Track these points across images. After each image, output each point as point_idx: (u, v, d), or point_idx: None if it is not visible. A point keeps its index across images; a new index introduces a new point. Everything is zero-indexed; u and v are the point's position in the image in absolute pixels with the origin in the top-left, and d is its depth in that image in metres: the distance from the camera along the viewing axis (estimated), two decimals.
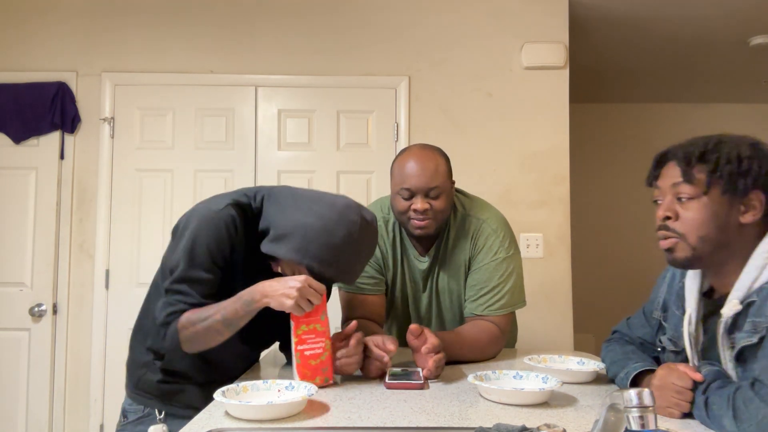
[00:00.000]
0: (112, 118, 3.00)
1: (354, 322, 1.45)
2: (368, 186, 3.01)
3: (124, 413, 1.55)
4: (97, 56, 3.02)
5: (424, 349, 1.41)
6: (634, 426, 0.75)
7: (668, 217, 1.15)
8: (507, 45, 3.07)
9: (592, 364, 1.46)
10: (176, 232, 1.43)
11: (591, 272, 4.63)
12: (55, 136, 2.97)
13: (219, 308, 1.31)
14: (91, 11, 3.04)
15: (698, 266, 1.17)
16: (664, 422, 1.06)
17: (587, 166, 4.82)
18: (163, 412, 1.49)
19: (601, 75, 4.32)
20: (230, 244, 1.36)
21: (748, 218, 1.11)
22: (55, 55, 3.02)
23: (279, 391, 1.23)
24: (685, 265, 1.17)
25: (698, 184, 1.12)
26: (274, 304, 1.28)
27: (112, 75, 3.01)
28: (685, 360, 1.20)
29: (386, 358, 1.41)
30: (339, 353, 1.37)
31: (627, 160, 5.06)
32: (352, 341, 1.39)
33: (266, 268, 1.44)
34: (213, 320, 1.30)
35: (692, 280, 1.23)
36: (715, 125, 5.13)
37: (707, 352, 1.18)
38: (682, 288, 1.25)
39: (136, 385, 1.53)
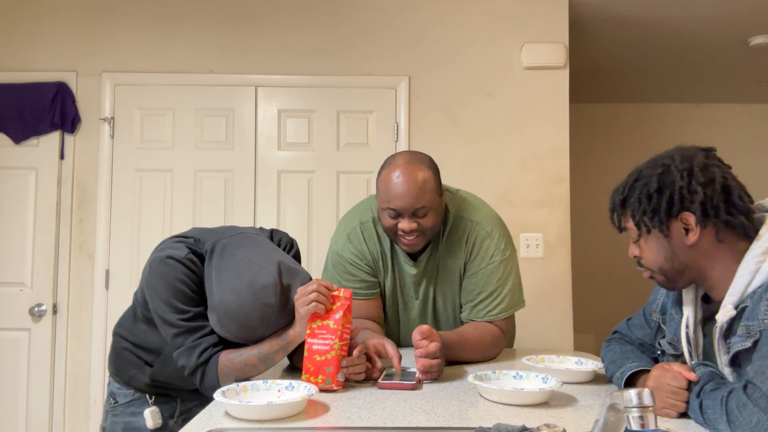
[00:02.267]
0: (112, 118, 3.00)
1: (357, 327, 1.44)
2: (368, 186, 3.01)
3: (113, 396, 1.59)
4: (97, 56, 3.02)
5: (416, 352, 1.40)
6: (634, 426, 0.75)
7: (636, 256, 1.22)
8: (507, 45, 3.07)
9: (591, 364, 1.46)
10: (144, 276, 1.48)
11: (591, 272, 4.63)
12: (55, 136, 2.97)
13: (259, 347, 1.38)
14: (91, 11, 3.04)
15: (680, 286, 1.20)
16: (663, 422, 1.06)
17: (587, 166, 4.82)
18: (153, 397, 1.56)
19: (601, 75, 4.32)
20: (199, 280, 1.43)
21: (691, 239, 1.13)
22: (55, 55, 3.02)
23: (279, 391, 1.23)
24: (673, 287, 1.21)
25: (632, 228, 1.19)
26: (302, 336, 1.36)
27: (112, 75, 3.01)
28: (684, 364, 1.20)
29: (378, 364, 1.41)
30: (343, 362, 1.35)
31: (627, 160, 5.03)
32: (355, 353, 1.37)
33: None
34: (249, 355, 1.37)
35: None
36: (715, 125, 5.16)
37: (707, 356, 1.18)
38: (680, 292, 1.25)
39: (127, 382, 1.57)
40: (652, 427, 0.75)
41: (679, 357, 1.23)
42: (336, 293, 1.36)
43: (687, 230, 1.13)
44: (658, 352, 1.31)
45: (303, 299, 1.33)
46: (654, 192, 1.13)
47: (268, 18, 3.05)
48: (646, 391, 0.76)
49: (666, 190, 1.13)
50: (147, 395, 1.56)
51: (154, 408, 1.54)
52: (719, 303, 1.13)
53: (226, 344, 1.40)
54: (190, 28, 3.05)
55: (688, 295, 1.22)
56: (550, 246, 3.01)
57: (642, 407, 0.75)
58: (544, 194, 3.02)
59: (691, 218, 1.12)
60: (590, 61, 3.92)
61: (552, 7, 3.07)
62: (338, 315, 1.34)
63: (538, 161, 3.03)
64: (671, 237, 1.14)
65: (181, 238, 1.48)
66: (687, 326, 1.20)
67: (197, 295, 1.41)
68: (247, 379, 1.38)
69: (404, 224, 1.57)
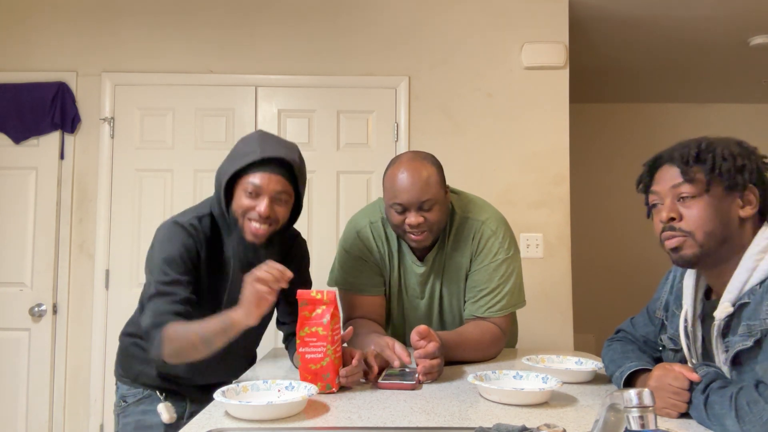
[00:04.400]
0: (112, 118, 3.00)
1: (350, 329, 1.44)
2: (368, 186, 3.01)
3: (123, 398, 1.59)
4: (97, 56, 3.02)
5: (416, 353, 1.40)
6: (634, 426, 0.75)
7: (673, 218, 1.16)
8: (507, 45, 3.07)
9: (591, 364, 1.46)
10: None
11: (591, 272, 4.63)
12: (55, 136, 2.97)
13: (201, 324, 1.33)
14: (91, 11, 3.04)
15: (704, 264, 1.18)
16: (663, 422, 1.06)
17: (587, 166, 4.82)
18: (164, 393, 1.55)
19: (601, 75, 4.32)
20: (196, 249, 1.46)
21: (746, 212, 1.14)
22: (55, 55, 3.02)
23: (279, 391, 1.23)
24: (692, 262, 1.18)
25: (699, 183, 1.14)
26: (246, 319, 1.29)
27: (112, 75, 3.01)
28: (684, 359, 1.21)
29: (396, 363, 1.41)
30: (341, 372, 1.33)
31: (627, 160, 5.04)
32: (354, 361, 1.35)
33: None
34: (191, 332, 1.33)
35: (689, 279, 1.24)
36: (715, 125, 5.16)
37: (705, 352, 1.18)
38: (681, 288, 1.26)
39: (135, 379, 1.57)
40: (652, 427, 0.75)
41: (678, 352, 1.24)
42: (318, 297, 1.33)
43: (746, 203, 1.14)
44: (660, 349, 1.32)
45: (249, 280, 1.28)
46: (738, 155, 1.14)
47: (268, 18, 3.05)
48: (646, 391, 0.76)
49: (747, 159, 1.15)
50: (158, 392, 1.55)
51: (167, 403, 1.53)
52: (717, 300, 1.14)
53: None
54: (190, 28, 3.05)
55: (688, 290, 1.23)
56: (550, 246, 3.01)
57: (642, 407, 0.75)
58: (544, 194, 3.02)
59: (755, 192, 1.14)
60: (590, 61, 3.92)
61: (552, 7, 3.07)
62: (325, 320, 1.30)
63: (538, 161, 3.03)
64: (730, 203, 1.14)
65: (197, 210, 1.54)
66: (686, 321, 1.20)
67: (188, 263, 1.43)
68: (202, 372, 1.45)
69: (411, 218, 1.60)
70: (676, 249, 1.17)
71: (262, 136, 1.51)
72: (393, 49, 3.06)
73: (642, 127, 5.06)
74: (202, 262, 1.47)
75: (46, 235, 2.94)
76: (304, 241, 1.71)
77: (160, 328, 1.35)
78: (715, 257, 1.16)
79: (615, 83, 4.54)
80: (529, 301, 1.82)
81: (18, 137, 2.96)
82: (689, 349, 1.20)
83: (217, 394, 1.14)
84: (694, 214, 1.14)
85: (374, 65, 3.05)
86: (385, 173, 1.68)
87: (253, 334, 1.62)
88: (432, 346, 1.40)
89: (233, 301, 1.36)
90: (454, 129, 3.04)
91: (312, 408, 1.16)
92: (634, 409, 0.75)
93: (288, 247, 1.63)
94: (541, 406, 1.18)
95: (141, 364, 1.56)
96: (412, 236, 1.64)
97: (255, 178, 1.43)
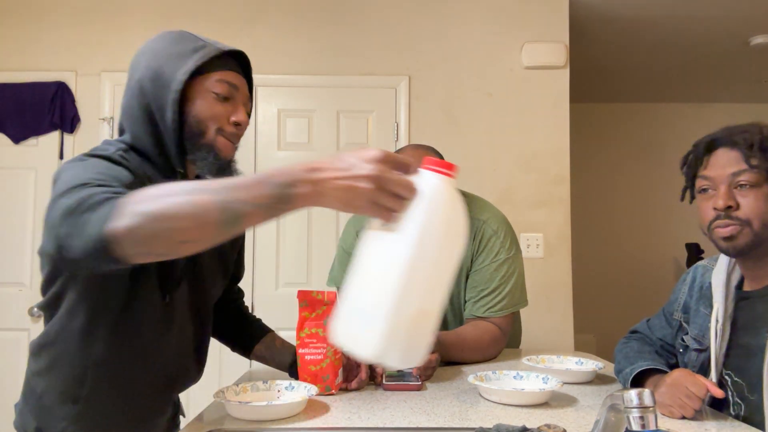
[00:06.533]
0: (112, 118, 2.99)
1: None
2: None
3: None
4: (97, 56, 3.02)
5: None
6: (635, 426, 0.75)
7: (730, 207, 1.13)
8: (507, 45, 3.06)
9: (591, 364, 1.46)
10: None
11: (591, 272, 4.63)
12: (55, 136, 2.97)
13: (215, 183, 0.76)
14: (91, 11, 3.04)
15: (755, 253, 1.15)
16: (664, 422, 1.06)
17: (587, 166, 4.82)
18: None
19: (601, 75, 4.32)
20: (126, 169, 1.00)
21: None
22: (55, 55, 3.01)
23: (279, 391, 1.22)
24: (744, 252, 1.15)
25: (761, 171, 1.11)
26: (334, 203, 0.72)
27: (112, 75, 3.01)
28: (708, 359, 1.19)
29: (379, 369, 1.38)
30: (353, 384, 1.31)
31: (627, 160, 5.06)
32: (362, 375, 1.32)
33: None
34: (202, 194, 0.75)
35: (719, 277, 1.22)
36: (715, 125, 5.13)
37: (732, 350, 1.17)
38: (709, 288, 1.24)
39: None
40: (652, 427, 0.75)
41: (703, 352, 1.22)
42: (319, 297, 1.30)
43: None
44: (680, 351, 1.31)
45: (355, 180, 0.70)
46: None
47: (268, 18, 3.05)
48: (646, 392, 0.76)
49: None
50: None
51: None
52: (751, 291, 1.13)
53: None
54: (189, 28, 3.02)
55: (718, 288, 1.21)
56: (550, 246, 3.00)
57: (642, 407, 0.75)
58: (544, 194, 3.02)
59: None
60: (590, 61, 3.92)
61: (552, 7, 3.06)
62: (326, 321, 1.28)
63: (538, 161, 3.03)
64: None
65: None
66: (717, 320, 1.18)
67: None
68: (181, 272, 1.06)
69: None
70: (729, 238, 1.13)
71: (189, 33, 1.21)
72: (393, 49, 3.06)
73: (642, 127, 5.06)
74: None
75: None
76: None
77: (110, 200, 0.81)
78: (766, 247, 1.14)
79: (615, 83, 4.55)
80: (530, 301, 1.82)
81: (17, 137, 2.96)
82: (717, 346, 1.18)
83: (217, 394, 1.14)
84: (752, 204, 1.11)
85: (374, 65, 3.05)
86: None
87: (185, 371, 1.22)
88: None
89: (198, 274, 1.10)
90: (454, 129, 3.04)
91: (312, 408, 1.16)
92: (635, 410, 0.75)
93: None
94: (541, 407, 1.18)
95: (63, 421, 1.06)
96: None
97: (225, 77, 1.13)
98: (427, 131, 3.01)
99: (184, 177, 1.14)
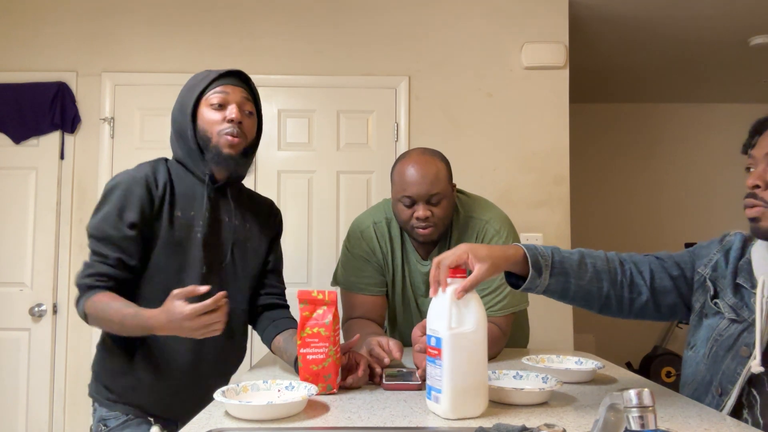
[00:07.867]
0: (112, 118, 3.00)
1: (357, 336, 1.42)
2: (368, 186, 3.01)
3: (103, 422, 1.46)
4: (97, 56, 3.02)
5: (416, 347, 1.40)
6: (634, 426, 0.75)
7: (758, 186, 1.12)
8: (507, 45, 3.07)
9: (591, 364, 1.46)
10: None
11: None
12: (55, 136, 2.97)
13: (122, 309, 1.32)
14: (91, 11, 3.04)
15: None
16: (664, 422, 1.06)
17: (587, 166, 4.82)
18: (153, 419, 1.46)
19: (601, 75, 4.32)
20: (150, 199, 1.43)
21: None
22: (55, 55, 3.02)
23: (279, 391, 1.23)
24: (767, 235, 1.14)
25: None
26: (163, 323, 1.27)
27: (112, 75, 3.01)
28: (744, 330, 1.17)
29: (387, 360, 1.40)
30: (348, 380, 1.32)
31: (627, 160, 5.06)
32: (360, 372, 1.33)
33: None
34: (113, 311, 1.33)
35: (759, 252, 1.20)
36: (715, 125, 5.16)
37: None
38: (747, 262, 1.21)
39: (120, 395, 1.47)
40: (652, 427, 0.75)
41: (739, 323, 1.19)
42: (320, 297, 1.31)
43: None
44: (705, 313, 1.25)
45: (195, 321, 1.22)
46: None
47: (268, 18, 3.05)
48: (646, 391, 0.76)
49: None
50: (148, 416, 1.45)
51: (157, 427, 1.40)
52: None
53: (121, 288, 1.38)
54: (189, 28, 3.05)
55: (763, 261, 1.18)
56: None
57: (642, 407, 0.75)
58: (544, 194, 3.02)
59: None
60: (590, 61, 3.92)
61: (552, 7, 3.07)
62: (327, 320, 1.29)
63: (538, 161, 3.03)
64: None
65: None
66: (763, 294, 1.15)
67: (135, 214, 1.40)
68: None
69: (420, 211, 1.62)
70: (754, 219, 1.12)
71: (209, 70, 1.54)
72: (393, 49, 3.06)
73: (642, 127, 5.06)
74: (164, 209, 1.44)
75: (46, 235, 2.94)
76: (279, 211, 1.74)
77: (86, 291, 1.36)
78: None
79: (615, 83, 4.55)
80: (530, 301, 1.82)
81: (18, 137, 2.96)
82: (763, 320, 1.14)
83: (217, 394, 1.14)
84: None
85: (374, 65, 3.05)
86: (393, 168, 1.70)
87: (228, 352, 1.56)
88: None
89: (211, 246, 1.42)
90: (454, 129, 3.04)
91: (312, 408, 1.16)
92: (634, 409, 0.75)
93: (267, 211, 1.67)
94: (541, 406, 1.18)
95: (124, 378, 1.46)
96: (420, 230, 1.64)
97: (218, 89, 1.45)
98: (427, 131, 3.02)
99: (213, 180, 1.49)
